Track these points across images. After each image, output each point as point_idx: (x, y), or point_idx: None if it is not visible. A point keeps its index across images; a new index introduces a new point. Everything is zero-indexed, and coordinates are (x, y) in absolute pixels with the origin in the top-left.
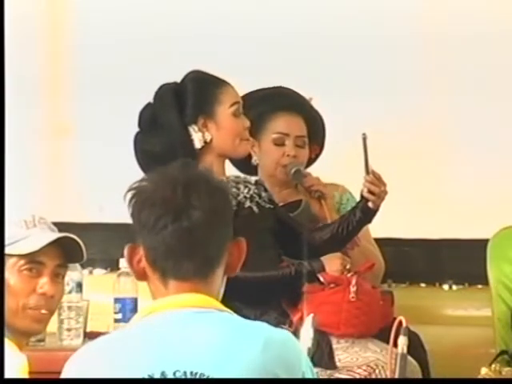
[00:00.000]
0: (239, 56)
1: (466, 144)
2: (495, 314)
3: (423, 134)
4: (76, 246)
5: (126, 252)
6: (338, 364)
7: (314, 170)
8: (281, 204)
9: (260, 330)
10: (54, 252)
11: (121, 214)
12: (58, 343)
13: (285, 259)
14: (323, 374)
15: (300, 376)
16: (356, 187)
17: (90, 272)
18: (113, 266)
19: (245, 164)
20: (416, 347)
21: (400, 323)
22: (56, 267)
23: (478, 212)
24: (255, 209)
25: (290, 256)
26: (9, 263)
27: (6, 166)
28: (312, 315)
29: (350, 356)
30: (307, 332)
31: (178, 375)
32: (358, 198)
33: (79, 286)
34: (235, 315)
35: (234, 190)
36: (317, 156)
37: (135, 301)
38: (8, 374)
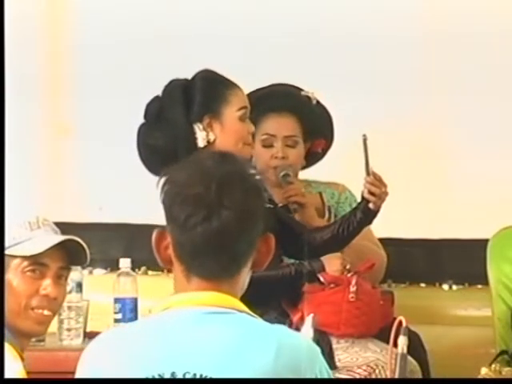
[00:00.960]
0: (239, 56)
1: (466, 144)
2: (495, 314)
3: (423, 134)
4: (79, 248)
5: (154, 236)
6: (338, 364)
7: (314, 170)
8: (281, 204)
9: (275, 335)
10: (57, 254)
11: (121, 214)
12: (57, 343)
13: (285, 259)
14: None
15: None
16: (356, 187)
17: (90, 272)
18: (113, 266)
19: None
20: (416, 347)
21: (400, 323)
22: (59, 269)
23: (478, 212)
24: None
25: (290, 256)
26: (12, 264)
27: (6, 166)
28: (312, 315)
29: (350, 356)
30: (307, 332)
31: (188, 377)
32: (358, 197)
33: (79, 286)
34: (254, 317)
35: None
36: (324, 150)
37: (135, 301)
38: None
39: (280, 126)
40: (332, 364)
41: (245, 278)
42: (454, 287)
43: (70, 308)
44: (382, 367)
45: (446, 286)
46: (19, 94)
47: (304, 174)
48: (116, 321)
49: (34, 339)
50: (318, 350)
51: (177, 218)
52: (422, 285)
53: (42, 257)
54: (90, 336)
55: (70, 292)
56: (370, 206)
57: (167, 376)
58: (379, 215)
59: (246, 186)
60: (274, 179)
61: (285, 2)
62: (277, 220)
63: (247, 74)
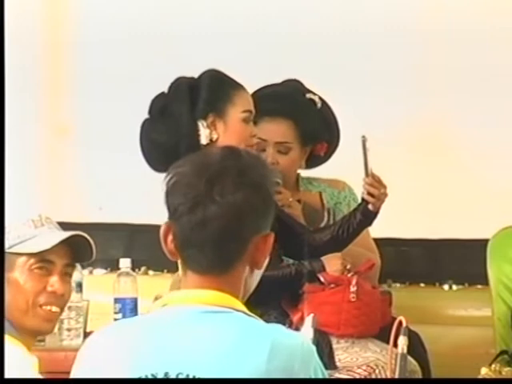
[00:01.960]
0: (239, 56)
1: (466, 144)
2: (495, 314)
3: (423, 133)
4: (85, 244)
5: (161, 228)
6: (338, 364)
7: (314, 170)
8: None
9: (270, 335)
10: (63, 251)
11: (121, 214)
12: (57, 343)
13: (285, 259)
14: None
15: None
16: (357, 188)
17: (90, 272)
18: (113, 266)
19: None
20: (416, 347)
21: (400, 323)
22: (65, 266)
23: (478, 212)
24: None
25: (290, 256)
26: (18, 262)
27: (6, 166)
28: (312, 315)
29: (350, 356)
30: (307, 332)
31: (181, 377)
32: (359, 196)
33: (79, 286)
34: (250, 316)
35: None
36: (327, 153)
37: (135, 301)
38: (21, 374)
39: (272, 131)
40: (332, 364)
41: (241, 275)
42: (454, 287)
43: (69, 308)
44: (382, 367)
45: (445, 286)
46: (19, 93)
47: (305, 172)
48: (116, 321)
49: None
50: (313, 350)
51: (169, 207)
52: (422, 285)
53: (49, 254)
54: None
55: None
56: (370, 207)
57: (160, 376)
58: (380, 215)
59: (243, 182)
60: None
61: (286, 2)
62: (277, 220)
63: (247, 74)
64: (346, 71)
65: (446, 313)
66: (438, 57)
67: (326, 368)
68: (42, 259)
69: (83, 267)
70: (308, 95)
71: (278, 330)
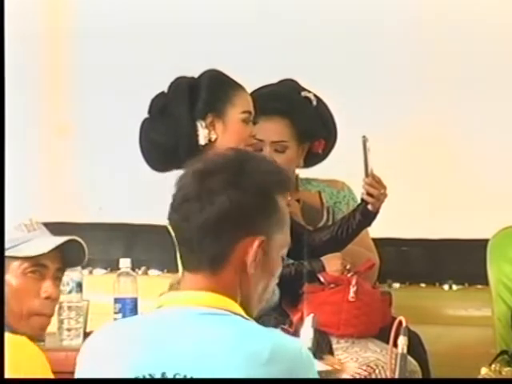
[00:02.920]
0: (238, 56)
1: (466, 144)
2: (495, 314)
3: (423, 134)
4: (78, 248)
5: None
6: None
7: (314, 170)
8: None
9: (269, 338)
10: (55, 255)
11: (121, 214)
12: (57, 343)
13: (285, 259)
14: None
15: None
16: (357, 188)
17: (90, 272)
18: (113, 266)
19: None
20: (416, 347)
21: (400, 323)
22: (57, 270)
23: (478, 212)
24: None
25: (290, 256)
26: (12, 266)
27: (6, 166)
28: (312, 315)
29: (350, 356)
30: (307, 332)
31: (178, 378)
32: (358, 196)
33: (79, 285)
34: (247, 320)
35: None
36: (325, 151)
37: (135, 301)
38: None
39: (268, 130)
40: None
41: (233, 277)
42: (454, 287)
43: (70, 308)
44: (382, 367)
45: (446, 286)
46: (19, 93)
47: (303, 173)
48: (115, 321)
49: None
50: (310, 355)
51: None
52: (422, 285)
53: (42, 258)
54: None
55: (70, 292)
56: (369, 207)
57: (157, 376)
58: (380, 215)
59: (235, 183)
60: None
61: (286, 2)
62: None
63: (246, 74)
64: (346, 71)
65: (446, 313)
66: (438, 56)
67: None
68: (36, 263)
69: (83, 267)
70: (303, 93)
71: (277, 334)
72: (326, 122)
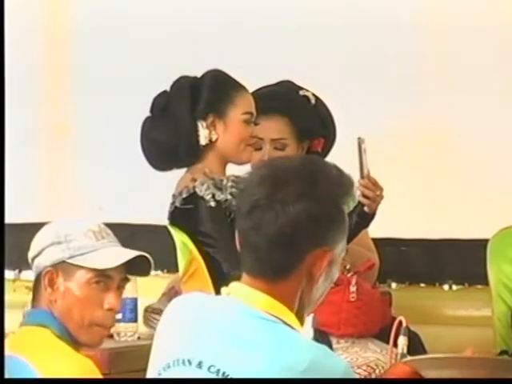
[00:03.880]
0: (238, 55)
1: (466, 144)
2: (495, 314)
3: (423, 134)
4: (144, 261)
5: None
6: None
7: None
8: None
9: (310, 353)
10: (121, 266)
11: (121, 214)
12: None
13: None
14: None
15: None
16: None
17: None
18: None
19: None
20: (416, 347)
21: (400, 323)
22: (121, 281)
23: (478, 212)
24: None
25: None
26: (77, 274)
27: (6, 166)
28: (312, 315)
29: (350, 356)
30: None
31: (213, 370)
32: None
33: None
34: (296, 331)
35: (235, 190)
36: (324, 149)
37: (135, 301)
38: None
39: (268, 128)
40: None
41: (296, 286)
42: (454, 287)
43: None
44: (382, 367)
45: (445, 286)
46: (19, 93)
47: None
48: (116, 321)
49: None
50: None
51: (236, 206)
52: (422, 285)
53: (109, 269)
54: None
55: None
56: (365, 209)
57: (194, 364)
58: (379, 215)
59: (308, 194)
60: None
61: (286, 1)
62: None
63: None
64: (346, 71)
65: (446, 313)
66: (437, 56)
67: None
68: (102, 274)
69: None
70: (301, 92)
71: (322, 349)
72: (324, 120)
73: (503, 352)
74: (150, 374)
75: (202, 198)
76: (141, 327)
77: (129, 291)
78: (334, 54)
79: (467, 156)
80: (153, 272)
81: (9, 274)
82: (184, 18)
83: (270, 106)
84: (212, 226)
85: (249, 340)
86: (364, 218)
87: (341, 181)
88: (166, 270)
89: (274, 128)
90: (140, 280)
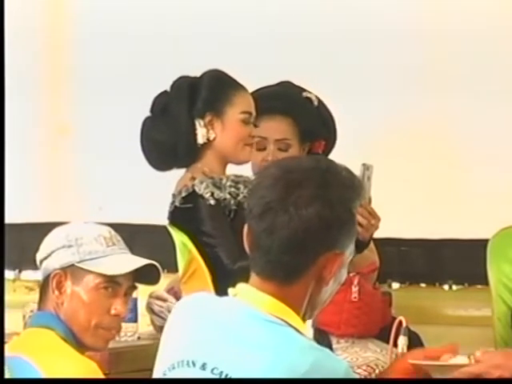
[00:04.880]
0: (238, 55)
1: (465, 144)
2: (495, 314)
3: (423, 134)
4: (153, 270)
5: (245, 226)
6: None
7: None
8: None
9: (311, 355)
10: (129, 273)
11: (121, 214)
12: None
13: None
14: None
15: None
16: None
17: None
18: None
19: None
20: (416, 347)
21: (400, 323)
22: (129, 288)
23: (478, 212)
24: None
25: None
26: (86, 279)
27: (6, 166)
28: None
29: (350, 356)
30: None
31: (216, 372)
32: None
33: None
34: (300, 334)
35: (234, 189)
36: (325, 151)
37: (135, 301)
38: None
39: (272, 128)
40: None
41: (305, 289)
42: (454, 287)
43: None
44: (382, 367)
45: (445, 286)
46: (19, 93)
47: None
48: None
49: None
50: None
51: (247, 207)
52: (422, 285)
53: (117, 276)
54: None
55: None
56: (358, 236)
57: (198, 366)
58: (379, 215)
59: (321, 196)
60: None
61: (286, 2)
62: None
63: (246, 73)
64: (346, 72)
65: (446, 313)
66: (438, 55)
67: None
68: (111, 280)
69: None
70: (304, 93)
71: (324, 351)
72: (326, 122)
73: None
74: (156, 373)
75: (201, 196)
76: (141, 327)
77: None
78: (333, 54)
79: (468, 156)
80: None
81: (9, 274)
82: (184, 18)
83: (272, 105)
84: (211, 223)
85: (252, 342)
86: (356, 244)
87: (352, 184)
88: (165, 270)
89: (277, 128)
90: None
